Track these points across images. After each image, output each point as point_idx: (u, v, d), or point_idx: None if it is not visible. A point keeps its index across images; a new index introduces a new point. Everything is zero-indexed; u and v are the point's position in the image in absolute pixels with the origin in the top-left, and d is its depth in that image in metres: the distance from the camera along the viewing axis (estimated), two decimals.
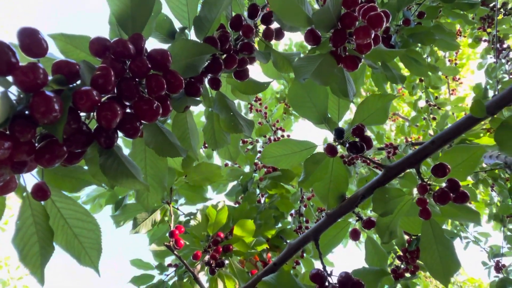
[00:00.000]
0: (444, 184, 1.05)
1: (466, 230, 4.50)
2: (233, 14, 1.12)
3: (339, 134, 1.05)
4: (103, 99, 0.56)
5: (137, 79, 0.60)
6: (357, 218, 1.24)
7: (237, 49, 0.93)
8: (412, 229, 1.22)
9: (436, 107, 3.98)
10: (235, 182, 2.49)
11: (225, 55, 0.87)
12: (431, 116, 4.09)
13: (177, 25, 0.83)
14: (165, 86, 0.60)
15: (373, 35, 0.65)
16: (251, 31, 0.93)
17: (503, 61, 3.93)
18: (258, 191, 2.64)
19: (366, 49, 0.66)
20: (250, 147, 3.28)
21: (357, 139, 1.07)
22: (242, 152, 2.50)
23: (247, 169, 2.70)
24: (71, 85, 0.52)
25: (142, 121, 0.58)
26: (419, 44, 2.04)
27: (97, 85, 0.51)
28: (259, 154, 3.29)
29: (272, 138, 3.30)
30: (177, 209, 1.94)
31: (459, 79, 5.52)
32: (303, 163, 1.15)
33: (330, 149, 1.05)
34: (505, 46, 3.91)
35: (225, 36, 0.83)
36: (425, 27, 2.02)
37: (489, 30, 4.08)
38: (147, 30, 0.66)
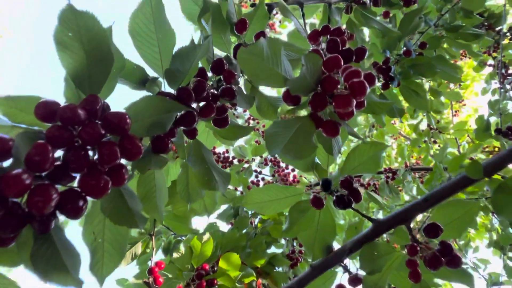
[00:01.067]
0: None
1: (465, 256, 4.39)
2: (229, 50, 1.07)
3: (326, 186, 0.98)
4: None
5: (88, 148, 0.54)
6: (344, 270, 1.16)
7: (217, 94, 0.87)
8: (402, 284, 1.14)
9: (437, 130, 3.91)
10: (226, 206, 2.42)
11: (202, 104, 0.80)
12: (432, 139, 4.02)
13: (150, 72, 0.77)
14: (120, 154, 0.54)
15: (355, 103, 0.58)
16: (233, 77, 0.87)
17: (508, 87, 3.86)
18: (250, 213, 2.57)
19: (347, 117, 0.60)
20: (246, 165, 3.22)
21: (345, 192, 1.00)
22: (235, 175, 2.43)
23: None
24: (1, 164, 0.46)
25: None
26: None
27: (31, 164, 0.45)
28: (254, 174, 3.22)
29: (268, 158, 3.23)
30: (168, 228, 1.88)
31: (462, 100, 5.45)
32: (287, 211, 1.08)
33: (316, 201, 0.98)
34: (510, 71, 3.84)
35: (201, 86, 0.76)
36: (427, 57, 1.95)
37: (494, 54, 4.01)
38: (107, 89, 0.60)
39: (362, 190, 1.09)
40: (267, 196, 1.08)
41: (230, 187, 2.60)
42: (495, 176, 0.89)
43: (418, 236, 1.01)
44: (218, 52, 1.05)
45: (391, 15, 2.00)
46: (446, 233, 0.98)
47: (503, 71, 3.80)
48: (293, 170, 2.99)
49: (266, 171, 3.30)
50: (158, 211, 0.72)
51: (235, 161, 3.12)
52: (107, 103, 0.63)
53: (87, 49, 0.53)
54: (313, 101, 0.61)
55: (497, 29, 3.83)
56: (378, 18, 1.53)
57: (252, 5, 1.03)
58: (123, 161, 0.57)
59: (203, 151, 0.82)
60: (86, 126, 0.52)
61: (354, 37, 1.44)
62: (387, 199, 3.21)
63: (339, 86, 0.62)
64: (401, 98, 2.05)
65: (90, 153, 0.54)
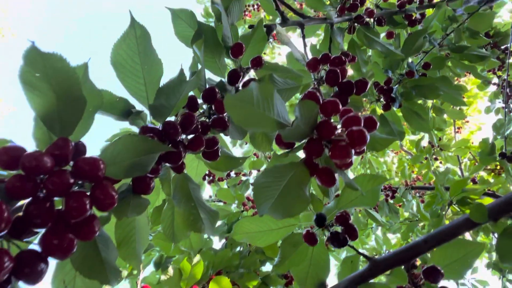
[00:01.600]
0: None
1: (464, 276, 4.31)
2: (223, 74, 1.02)
3: (319, 221, 0.93)
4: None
5: (53, 199, 0.49)
6: None
7: (208, 124, 0.82)
8: None
9: (439, 148, 3.85)
10: (220, 222, 2.36)
11: (190, 136, 0.75)
12: (433, 156, 3.96)
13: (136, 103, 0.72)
14: (89, 207, 0.49)
15: (353, 153, 0.53)
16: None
17: None
18: None
19: (345, 167, 0.54)
20: (243, 179, 3.16)
21: (340, 228, 0.95)
22: (231, 192, 2.38)
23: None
24: None
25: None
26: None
27: None
28: (251, 187, 3.16)
29: None
30: None
31: (465, 117, 5.39)
32: (280, 243, 1.03)
33: (309, 238, 0.93)
34: None
35: (189, 120, 0.71)
36: (430, 78, 1.90)
37: (499, 73, 3.96)
38: (82, 128, 0.55)
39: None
40: (258, 226, 1.02)
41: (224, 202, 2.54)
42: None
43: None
44: (212, 76, 1.00)
45: (395, 34, 1.96)
46: (446, 275, 0.93)
47: (508, 90, 3.75)
48: None
49: None
50: (136, 258, 0.67)
51: (232, 174, 3.07)
52: (82, 143, 0.58)
53: (56, 90, 0.48)
54: (308, 147, 0.56)
55: (503, 47, 3.79)
56: (381, 39, 1.49)
57: (250, 26, 0.99)
58: None
59: (190, 187, 0.77)
60: (52, 175, 0.47)
61: (356, 59, 1.39)
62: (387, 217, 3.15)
63: (337, 132, 0.56)
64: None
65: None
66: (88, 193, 0.50)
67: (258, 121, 0.54)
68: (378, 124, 0.61)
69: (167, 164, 0.70)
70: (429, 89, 1.85)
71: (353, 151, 0.53)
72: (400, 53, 1.44)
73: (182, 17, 0.94)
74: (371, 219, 2.85)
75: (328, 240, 0.92)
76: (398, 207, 3.15)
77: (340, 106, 0.57)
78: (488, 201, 2.25)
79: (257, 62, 0.97)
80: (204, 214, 0.74)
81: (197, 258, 1.57)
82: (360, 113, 0.83)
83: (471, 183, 3.00)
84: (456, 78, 2.55)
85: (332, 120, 0.58)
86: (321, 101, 0.58)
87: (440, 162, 4.16)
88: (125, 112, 0.70)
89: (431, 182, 4.21)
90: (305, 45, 1.21)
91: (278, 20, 1.18)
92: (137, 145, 0.58)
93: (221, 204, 2.50)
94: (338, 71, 0.85)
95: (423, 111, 1.89)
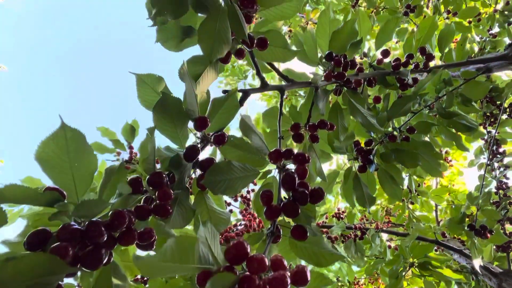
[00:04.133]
0: None
1: None
2: (183, 145, 0.96)
3: None
4: None
5: None
6: None
7: (148, 209, 0.77)
8: None
9: (416, 193, 3.85)
10: None
11: (119, 231, 0.70)
12: (410, 200, 3.95)
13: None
14: None
15: None
16: (169, 198, 0.77)
17: (496, 165, 3.81)
18: None
19: None
20: None
21: None
22: None
23: None
24: None
25: None
26: None
27: None
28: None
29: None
30: None
31: (450, 160, 5.41)
32: None
33: None
34: (501, 150, 3.79)
35: (119, 220, 0.66)
36: (412, 143, 1.86)
37: (489, 128, 3.95)
38: None
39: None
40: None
41: None
42: None
43: None
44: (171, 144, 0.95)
45: (385, 94, 1.92)
46: None
47: (494, 148, 3.75)
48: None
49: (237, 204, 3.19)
50: None
51: None
52: None
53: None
54: None
55: (498, 102, 3.79)
56: (365, 109, 1.44)
57: (224, 91, 0.94)
58: None
59: (114, 281, 0.72)
60: None
61: (334, 128, 1.35)
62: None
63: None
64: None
65: None
66: None
67: (175, 271, 0.50)
68: (308, 277, 0.57)
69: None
70: (408, 156, 1.82)
71: None
72: (380, 128, 1.39)
73: (148, 82, 0.89)
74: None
75: None
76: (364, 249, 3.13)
77: (267, 263, 0.52)
78: (447, 272, 2.24)
79: (220, 140, 0.92)
80: None
81: None
82: (307, 227, 0.79)
83: (434, 252, 3.00)
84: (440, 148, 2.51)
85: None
86: (249, 253, 0.53)
87: (420, 202, 4.15)
88: (53, 202, 0.65)
89: (404, 223, 4.22)
90: (281, 113, 1.16)
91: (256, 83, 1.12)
92: (40, 265, 0.53)
93: None
94: (296, 176, 0.80)
95: (399, 176, 1.86)
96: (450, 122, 2.13)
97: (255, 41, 0.97)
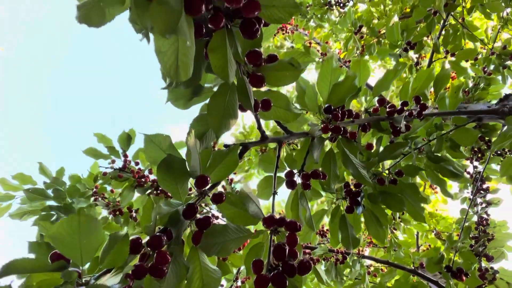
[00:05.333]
0: None
1: None
2: (182, 199, 1.01)
3: None
4: None
5: None
6: None
7: (144, 269, 0.82)
8: None
9: (400, 220, 3.94)
10: None
11: None
12: (393, 227, 4.05)
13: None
14: None
15: None
16: (166, 262, 0.82)
17: (479, 200, 3.92)
18: None
19: None
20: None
21: None
22: None
23: None
24: None
25: None
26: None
27: None
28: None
29: None
30: None
31: (436, 187, 5.53)
32: None
33: None
34: (484, 186, 3.90)
35: None
36: (399, 186, 1.93)
37: (476, 163, 4.06)
38: None
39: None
40: None
41: None
42: None
43: None
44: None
45: (378, 137, 1.99)
46: None
47: (479, 184, 3.86)
48: None
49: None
50: None
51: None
52: None
53: None
54: None
55: (487, 139, 3.89)
56: (357, 158, 1.50)
57: (226, 145, 0.99)
58: None
59: None
60: None
61: (326, 177, 1.41)
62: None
63: None
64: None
65: None
66: None
67: None
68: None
69: None
70: (394, 200, 1.89)
71: None
72: (370, 181, 1.46)
73: (155, 141, 0.94)
74: (316, 277, 2.90)
75: None
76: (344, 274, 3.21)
77: None
78: None
79: (219, 199, 0.98)
80: None
81: None
82: None
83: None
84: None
85: None
86: None
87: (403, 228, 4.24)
88: (59, 269, 0.69)
89: (386, 246, 4.31)
90: (277, 166, 1.22)
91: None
92: None
93: None
94: (286, 247, 0.86)
95: (384, 219, 1.93)
96: (437, 167, 2.21)
97: (260, 103, 1.03)
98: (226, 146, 1.09)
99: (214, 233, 0.88)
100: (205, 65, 0.88)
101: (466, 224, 3.70)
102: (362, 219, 2.04)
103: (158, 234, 0.84)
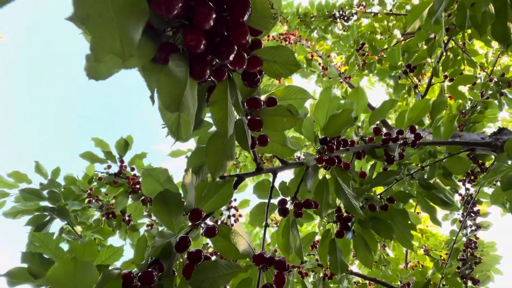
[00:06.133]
0: None
1: None
2: (176, 231, 1.04)
3: None
4: None
5: None
6: None
7: None
8: None
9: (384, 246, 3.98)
10: None
11: None
12: (382, 243, 4.09)
13: None
14: None
15: None
16: None
17: (469, 222, 3.96)
18: None
19: None
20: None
21: None
22: None
23: None
24: None
25: None
26: None
27: None
28: None
29: None
30: None
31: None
32: None
33: None
34: (475, 209, 3.94)
35: None
36: (390, 212, 1.97)
37: (468, 185, 4.10)
38: None
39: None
40: None
41: None
42: None
43: None
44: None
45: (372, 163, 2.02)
46: None
47: (470, 206, 3.90)
48: None
49: None
50: None
51: None
52: None
53: None
54: None
55: (480, 161, 3.92)
56: (349, 190, 1.54)
57: (222, 177, 1.02)
58: None
59: None
60: None
61: (318, 206, 1.44)
62: None
63: None
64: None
65: None
66: None
67: None
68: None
69: None
70: (384, 227, 1.92)
71: None
72: (361, 212, 1.49)
73: (153, 175, 0.96)
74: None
75: None
76: None
77: None
78: None
79: (211, 233, 1.00)
80: None
81: None
82: None
83: None
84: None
85: None
86: None
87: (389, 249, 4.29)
88: None
89: (374, 262, 4.35)
90: (271, 196, 1.25)
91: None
92: None
93: None
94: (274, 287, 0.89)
95: (373, 244, 1.96)
96: (428, 194, 2.25)
97: (257, 139, 1.05)
98: (221, 177, 1.11)
99: (204, 269, 0.91)
100: (206, 104, 0.91)
101: (455, 245, 3.75)
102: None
103: (149, 270, 0.86)
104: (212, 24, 0.56)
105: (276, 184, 1.41)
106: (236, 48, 0.62)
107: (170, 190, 0.94)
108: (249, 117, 0.90)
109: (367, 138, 1.80)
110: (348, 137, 1.79)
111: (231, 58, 0.62)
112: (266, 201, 1.38)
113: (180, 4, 0.51)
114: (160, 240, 0.97)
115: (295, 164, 1.38)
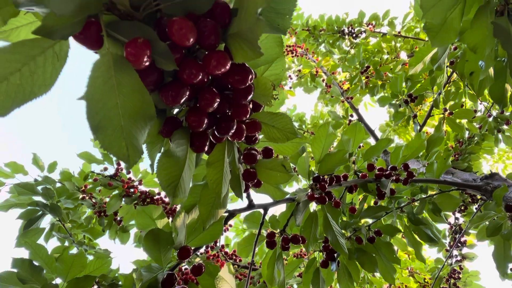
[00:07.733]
0: None
1: None
2: (164, 266, 1.07)
3: None
4: None
5: None
6: None
7: None
8: None
9: None
10: None
11: None
12: None
13: None
14: None
15: None
16: None
17: (455, 252, 4.01)
18: None
19: None
20: None
21: None
22: None
23: None
24: None
25: None
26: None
27: None
28: None
29: None
30: None
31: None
32: None
33: None
34: (462, 239, 3.99)
35: None
36: (376, 245, 2.01)
37: (458, 215, 4.14)
38: None
39: None
40: None
41: None
42: None
43: None
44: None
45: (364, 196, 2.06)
46: None
47: (458, 236, 3.94)
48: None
49: None
50: None
51: None
52: None
53: None
54: None
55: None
56: (338, 227, 1.57)
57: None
58: None
59: None
60: None
61: (305, 241, 1.47)
62: None
63: None
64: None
65: None
66: None
67: None
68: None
69: None
70: (368, 260, 1.96)
71: None
72: (346, 252, 1.52)
73: (146, 211, 0.99)
74: None
75: None
76: None
77: None
78: None
79: (197, 272, 1.03)
80: None
81: None
82: None
83: None
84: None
85: None
86: None
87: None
88: None
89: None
90: (262, 224, 1.28)
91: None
92: None
93: None
94: None
95: (356, 276, 2.00)
96: (416, 229, 2.29)
97: (250, 184, 1.08)
98: None
99: None
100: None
101: (440, 273, 3.80)
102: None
103: None
104: (215, 107, 0.59)
105: (267, 217, 1.45)
106: (236, 123, 0.66)
107: (162, 230, 0.97)
108: (244, 168, 0.93)
109: (360, 174, 1.84)
110: (341, 171, 1.83)
111: (230, 133, 0.65)
112: (254, 231, 1.41)
113: (186, 95, 0.54)
114: (147, 275, 1.00)
115: (286, 200, 1.41)
